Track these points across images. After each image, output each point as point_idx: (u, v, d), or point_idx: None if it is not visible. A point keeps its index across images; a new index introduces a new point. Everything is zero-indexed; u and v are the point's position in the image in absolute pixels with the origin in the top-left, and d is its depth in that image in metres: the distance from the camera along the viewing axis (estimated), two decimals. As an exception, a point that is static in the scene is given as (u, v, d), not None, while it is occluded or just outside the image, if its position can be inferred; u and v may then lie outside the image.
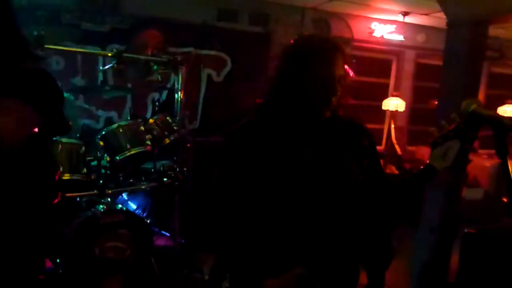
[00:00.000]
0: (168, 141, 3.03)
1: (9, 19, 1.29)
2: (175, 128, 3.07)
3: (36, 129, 1.22)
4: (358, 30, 5.15)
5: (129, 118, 3.01)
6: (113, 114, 4.20)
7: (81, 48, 3.85)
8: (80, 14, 3.96)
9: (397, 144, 5.48)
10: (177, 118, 3.02)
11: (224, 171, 1.35)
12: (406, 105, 5.30)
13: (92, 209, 2.67)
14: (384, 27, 5.32)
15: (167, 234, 3.36)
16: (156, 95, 4.28)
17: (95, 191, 2.67)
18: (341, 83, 1.27)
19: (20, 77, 1.22)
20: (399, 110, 5.26)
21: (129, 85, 4.07)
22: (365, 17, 5.16)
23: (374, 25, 5.27)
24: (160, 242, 3.23)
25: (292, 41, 1.33)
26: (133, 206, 3.47)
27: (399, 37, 5.42)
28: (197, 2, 4.35)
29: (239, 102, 4.53)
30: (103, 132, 2.72)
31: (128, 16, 4.11)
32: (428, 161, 1.36)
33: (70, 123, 1.42)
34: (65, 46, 3.52)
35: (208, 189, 1.38)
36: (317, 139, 1.31)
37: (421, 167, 1.37)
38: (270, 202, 1.27)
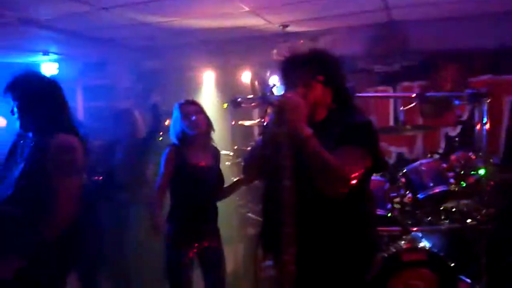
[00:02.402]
0: (472, 180, 2.82)
1: (344, 83, 1.66)
2: (478, 165, 2.83)
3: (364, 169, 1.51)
4: None
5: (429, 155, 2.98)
6: (404, 150, 4.25)
7: (374, 90, 4.13)
8: (373, 58, 4.29)
9: None
10: (480, 154, 2.78)
11: None
12: None
13: (395, 245, 2.75)
14: None
15: (467, 280, 3.06)
16: (448, 130, 4.08)
17: (397, 227, 2.74)
18: None
19: (356, 128, 1.57)
20: None
21: (420, 121, 4.05)
22: None
23: None
24: (462, 288, 2.98)
25: None
26: (426, 244, 3.35)
27: None
28: (492, 25, 3.94)
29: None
30: (405, 170, 2.79)
31: (416, 52, 4.14)
32: None
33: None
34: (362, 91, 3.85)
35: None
36: None
37: None
38: None
